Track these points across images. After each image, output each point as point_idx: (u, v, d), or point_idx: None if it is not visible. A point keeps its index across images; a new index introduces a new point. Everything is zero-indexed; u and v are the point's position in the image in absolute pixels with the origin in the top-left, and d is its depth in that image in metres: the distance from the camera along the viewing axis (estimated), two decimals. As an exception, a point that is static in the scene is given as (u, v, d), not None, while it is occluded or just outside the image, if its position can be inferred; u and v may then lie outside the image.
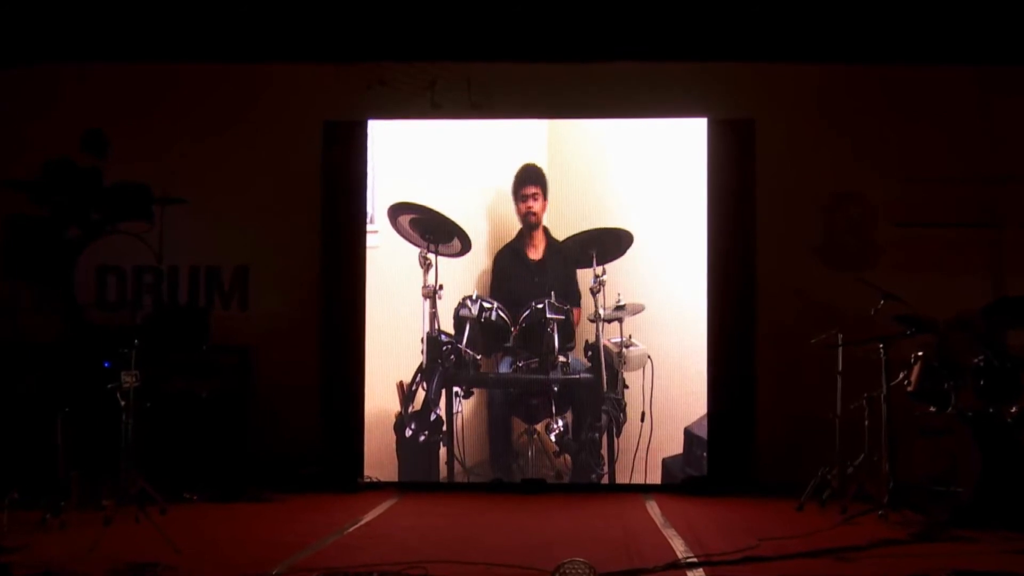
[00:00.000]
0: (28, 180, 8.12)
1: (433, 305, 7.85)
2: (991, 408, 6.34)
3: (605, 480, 7.75)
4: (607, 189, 7.98)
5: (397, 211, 8.01)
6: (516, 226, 7.97)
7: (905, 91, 7.96)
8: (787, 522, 6.28)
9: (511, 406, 7.84)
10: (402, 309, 7.91)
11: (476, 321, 7.82)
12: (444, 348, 7.82)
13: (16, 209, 8.11)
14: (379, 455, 7.86)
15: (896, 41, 7.74)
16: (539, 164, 7.97)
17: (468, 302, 7.85)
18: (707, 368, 7.77)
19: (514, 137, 8.07)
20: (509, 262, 7.93)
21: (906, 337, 6.56)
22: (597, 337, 7.77)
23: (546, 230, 7.95)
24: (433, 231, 7.94)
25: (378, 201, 8.03)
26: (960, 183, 7.84)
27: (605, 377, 7.74)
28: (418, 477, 7.80)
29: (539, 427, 7.82)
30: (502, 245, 7.96)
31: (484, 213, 8.00)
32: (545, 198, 7.94)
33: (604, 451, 7.75)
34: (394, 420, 7.86)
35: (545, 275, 7.88)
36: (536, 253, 7.95)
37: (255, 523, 6.40)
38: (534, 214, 7.91)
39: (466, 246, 7.94)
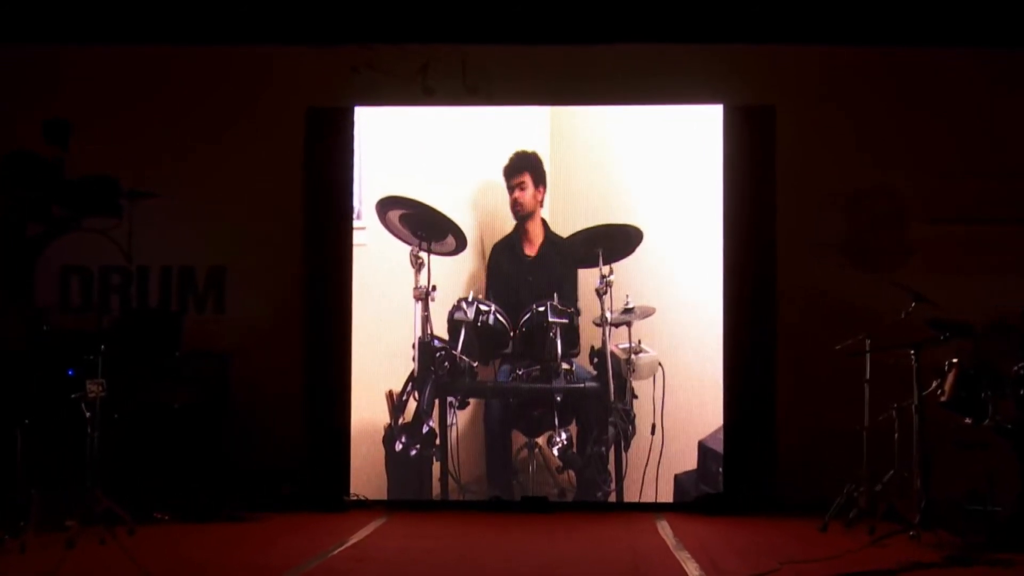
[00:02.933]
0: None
1: (425, 308, 7.83)
2: (1032, 420, 6.32)
3: (612, 498, 7.74)
4: (615, 182, 7.97)
5: (386, 206, 7.99)
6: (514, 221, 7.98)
7: (939, 78, 7.95)
8: (810, 544, 6.26)
9: (510, 417, 7.83)
10: (392, 312, 7.90)
11: (472, 325, 7.80)
12: (437, 354, 7.81)
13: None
14: (367, 471, 7.86)
15: (930, 23, 7.72)
16: (537, 152, 7.94)
17: (463, 304, 7.83)
18: (723, 376, 7.77)
19: (513, 125, 8.06)
20: (504, 257, 7.93)
21: (940, 342, 6.54)
22: (604, 342, 7.75)
23: (545, 223, 7.93)
24: (425, 228, 7.92)
25: (366, 195, 8.02)
26: (998, 177, 7.82)
27: (612, 386, 7.71)
28: (409, 495, 7.81)
29: (541, 440, 7.81)
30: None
31: (481, 208, 7.99)
32: (538, 186, 7.91)
33: (611, 466, 7.74)
34: (383, 433, 7.84)
35: (540, 273, 7.86)
36: (532, 248, 7.93)
37: (232, 545, 6.37)
38: (520, 204, 7.89)
39: (461, 244, 7.93)
